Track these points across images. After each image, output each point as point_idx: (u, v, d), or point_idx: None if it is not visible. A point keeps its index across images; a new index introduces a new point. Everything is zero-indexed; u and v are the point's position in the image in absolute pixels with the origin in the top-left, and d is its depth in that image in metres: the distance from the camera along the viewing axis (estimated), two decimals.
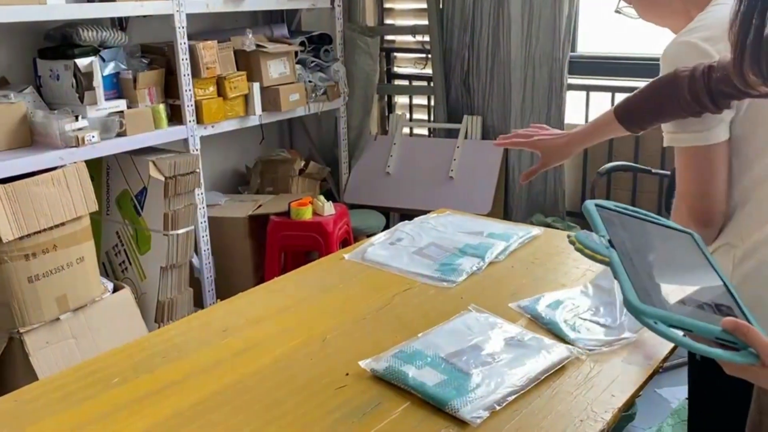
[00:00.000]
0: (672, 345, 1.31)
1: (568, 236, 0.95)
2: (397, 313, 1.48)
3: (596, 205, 0.99)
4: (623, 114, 1.28)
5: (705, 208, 1.20)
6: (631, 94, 1.27)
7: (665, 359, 1.29)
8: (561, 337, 1.34)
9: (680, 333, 0.83)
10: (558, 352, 1.28)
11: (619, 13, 1.39)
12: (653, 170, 2.86)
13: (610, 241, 0.91)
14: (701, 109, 1.14)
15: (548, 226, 2.77)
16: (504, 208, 3.43)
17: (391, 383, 1.19)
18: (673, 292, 0.90)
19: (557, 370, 1.24)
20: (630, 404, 1.22)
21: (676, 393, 2.56)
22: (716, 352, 0.82)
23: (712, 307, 0.91)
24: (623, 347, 1.32)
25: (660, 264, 0.98)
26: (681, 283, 0.96)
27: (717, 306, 0.91)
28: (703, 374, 1.34)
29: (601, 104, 3.25)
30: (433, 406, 1.13)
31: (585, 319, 1.41)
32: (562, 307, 1.44)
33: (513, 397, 1.15)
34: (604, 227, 0.94)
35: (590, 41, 3.36)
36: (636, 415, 2.37)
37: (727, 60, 0.95)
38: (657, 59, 1.24)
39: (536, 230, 1.91)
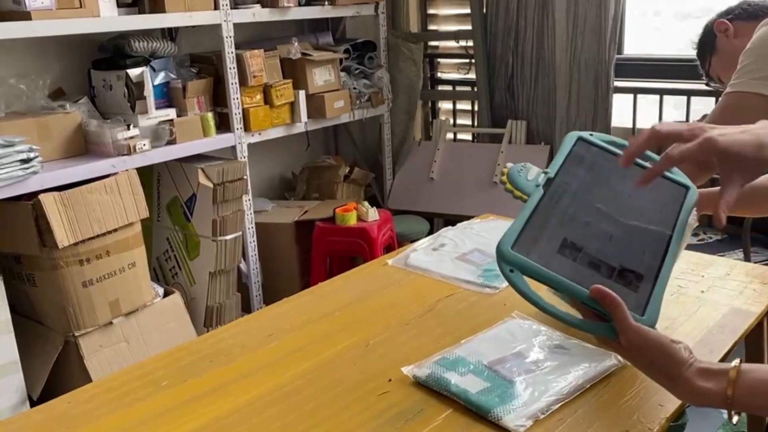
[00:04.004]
0: (724, 352, 1.28)
1: (504, 167, 0.90)
2: (440, 319, 1.48)
3: (580, 138, 0.93)
4: None
5: None
6: None
7: None
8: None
9: (533, 289, 0.78)
10: (604, 360, 1.26)
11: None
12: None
13: (550, 180, 0.85)
14: None
15: None
16: None
17: (434, 390, 1.20)
18: (583, 247, 0.84)
19: (603, 379, 1.22)
20: (679, 414, 1.19)
21: None
22: (567, 317, 0.76)
23: (614, 270, 0.83)
24: None
25: (607, 211, 0.90)
26: (622, 233, 0.89)
27: (622, 270, 0.84)
28: None
29: (649, 107, 3.19)
30: (476, 413, 1.13)
31: None
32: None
33: (557, 405, 1.14)
34: (560, 163, 0.88)
35: (637, 43, 3.30)
36: (686, 426, 2.31)
37: None
38: None
39: None
